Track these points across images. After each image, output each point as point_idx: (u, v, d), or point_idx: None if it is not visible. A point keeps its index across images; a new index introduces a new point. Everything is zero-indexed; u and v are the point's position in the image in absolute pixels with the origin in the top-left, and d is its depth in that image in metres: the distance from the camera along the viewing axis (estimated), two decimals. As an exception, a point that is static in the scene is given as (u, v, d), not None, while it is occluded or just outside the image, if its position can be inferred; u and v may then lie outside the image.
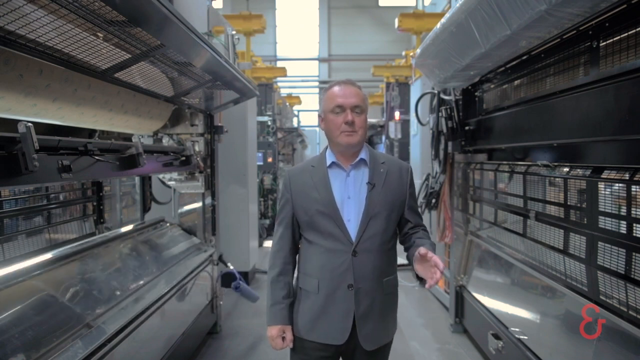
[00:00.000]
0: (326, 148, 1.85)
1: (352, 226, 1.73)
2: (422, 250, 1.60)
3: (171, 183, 3.91)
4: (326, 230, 1.74)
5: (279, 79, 11.36)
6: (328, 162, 1.79)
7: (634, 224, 1.76)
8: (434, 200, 4.49)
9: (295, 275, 1.90)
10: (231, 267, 4.13)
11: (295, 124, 13.43)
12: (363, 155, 1.78)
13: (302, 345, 1.83)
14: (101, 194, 3.38)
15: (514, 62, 2.80)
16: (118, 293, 2.47)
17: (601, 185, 1.94)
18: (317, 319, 1.77)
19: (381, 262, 1.75)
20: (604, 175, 1.94)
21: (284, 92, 14.26)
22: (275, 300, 1.81)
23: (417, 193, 4.79)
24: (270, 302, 1.83)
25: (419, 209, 1.88)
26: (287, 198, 1.85)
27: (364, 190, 1.75)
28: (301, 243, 1.89)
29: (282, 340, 1.80)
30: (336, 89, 1.75)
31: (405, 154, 7.16)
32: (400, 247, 1.90)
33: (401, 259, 1.95)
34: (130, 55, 2.15)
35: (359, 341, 1.74)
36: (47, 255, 2.42)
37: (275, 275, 1.83)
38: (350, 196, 1.75)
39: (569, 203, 2.20)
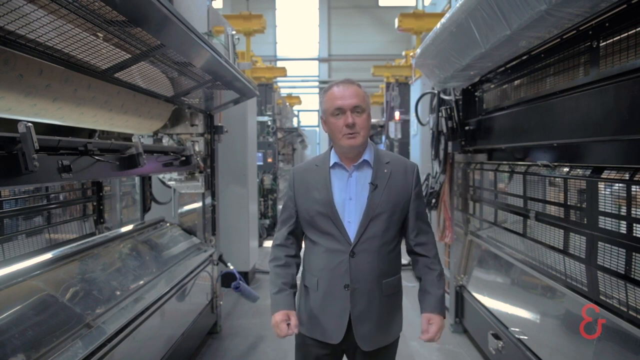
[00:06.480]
0: (331, 147, 1.84)
1: (353, 227, 1.72)
2: (425, 324, 1.83)
3: (171, 183, 3.91)
4: (326, 230, 1.75)
5: (279, 79, 11.35)
6: (331, 163, 1.78)
7: (634, 224, 1.76)
8: (434, 200, 4.49)
9: (300, 271, 1.90)
10: (231, 267, 4.13)
11: (295, 124, 13.42)
12: (366, 156, 1.76)
13: (303, 342, 1.84)
14: (101, 194, 3.38)
15: (514, 62, 2.79)
16: (118, 293, 2.47)
17: (601, 185, 1.94)
18: (316, 316, 1.78)
19: (381, 263, 1.73)
20: (604, 175, 1.94)
21: (284, 92, 14.25)
22: (280, 288, 1.77)
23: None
24: (274, 291, 1.78)
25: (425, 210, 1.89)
26: (290, 196, 1.85)
27: (366, 191, 1.73)
28: (305, 241, 1.90)
29: (287, 326, 1.70)
30: (335, 90, 1.72)
31: (405, 154, 7.15)
32: (404, 247, 1.87)
33: (403, 259, 1.94)
34: (130, 55, 2.15)
35: (357, 341, 1.74)
36: (47, 255, 2.42)
37: (279, 266, 1.82)
38: (351, 197, 1.74)
39: (569, 203, 2.20)
